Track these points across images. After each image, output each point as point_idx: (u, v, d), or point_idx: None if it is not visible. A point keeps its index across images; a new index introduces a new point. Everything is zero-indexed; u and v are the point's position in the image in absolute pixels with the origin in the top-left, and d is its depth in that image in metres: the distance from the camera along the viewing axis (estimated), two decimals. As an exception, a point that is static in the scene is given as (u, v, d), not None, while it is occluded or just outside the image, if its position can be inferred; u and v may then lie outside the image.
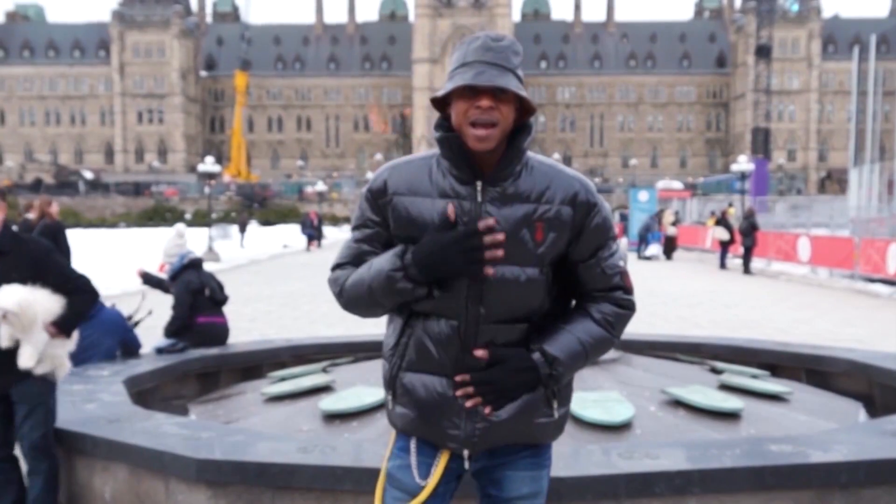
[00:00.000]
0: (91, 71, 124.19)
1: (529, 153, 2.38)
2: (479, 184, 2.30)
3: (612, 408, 4.65)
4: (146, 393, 5.85)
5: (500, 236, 2.20)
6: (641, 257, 31.12)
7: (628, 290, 2.40)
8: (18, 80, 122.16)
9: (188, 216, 63.66)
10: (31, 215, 12.33)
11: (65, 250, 10.52)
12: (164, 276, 7.78)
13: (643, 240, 32.03)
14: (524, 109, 2.32)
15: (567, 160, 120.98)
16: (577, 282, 2.38)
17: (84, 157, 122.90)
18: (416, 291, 2.25)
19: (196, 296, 7.12)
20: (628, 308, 2.40)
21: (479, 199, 2.29)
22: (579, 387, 4.96)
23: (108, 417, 4.64)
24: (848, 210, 31.53)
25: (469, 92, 2.24)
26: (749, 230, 23.74)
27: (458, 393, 2.27)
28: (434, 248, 2.22)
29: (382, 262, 2.28)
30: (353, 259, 2.39)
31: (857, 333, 11.41)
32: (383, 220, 2.36)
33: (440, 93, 2.30)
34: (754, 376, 5.95)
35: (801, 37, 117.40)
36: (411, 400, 2.36)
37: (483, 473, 2.40)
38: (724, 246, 25.83)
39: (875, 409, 5.77)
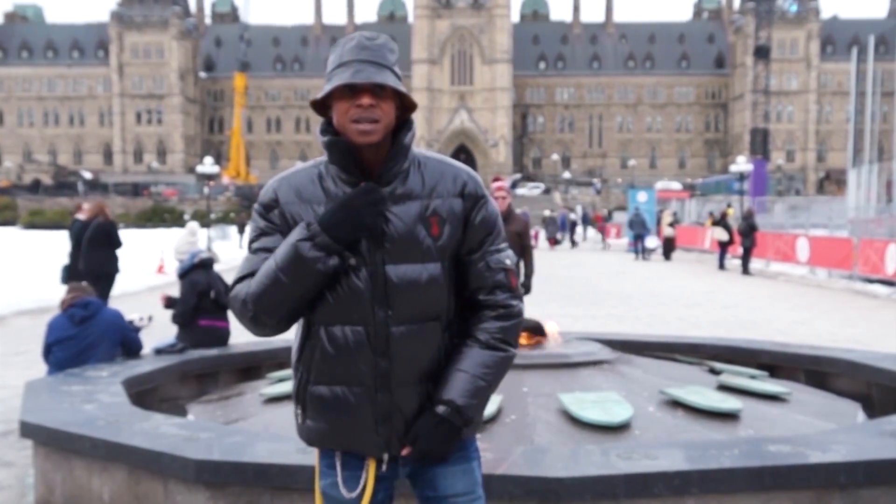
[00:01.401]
0: (90, 72, 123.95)
1: (416, 150, 2.38)
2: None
3: (610, 408, 4.65)
4: (145, 394, 5.85)
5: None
6: (641, 255, 31.16)
7: (513, 289, 2.37)
8: (17, 81, 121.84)
9: (187, 217, 63.59)
10: (81, 216, 13.33)
11: (117, 245, 12.22)
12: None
13: (639, 237, 31.97)
14: (405, 106, 2.33)
15: (566, 161, 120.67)
16: (464, 282, 2.36)
17: (83, 157, 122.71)
18: (329, 261, 2.22)
19: (201, 297, 7.10)
20: (513, 315, 2.36)
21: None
22: (578, 387, 5.00)
23: (107, 418, 4.63)
24: (846, 211, 31.42)
25: (349, 91, 2.25)
26: (748, 231, 23.74)
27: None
28: (338, 208, 2.22)
29: (288, 238, 2.26)
30: (257, 269, 2.34)
31: (856, 334, 11.39)
32: (279, 228, 2.34)
33: (320, 95, 2.31)
34: (753, 377, 5.95)
35: (799, 37, 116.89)
36: (322, 413, 2.33)
37: (416, 475, 2.39)
38: (723, 247, 25.80)
39: (874, 409, 5.75)
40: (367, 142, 2.26)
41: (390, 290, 2.26)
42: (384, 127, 2.26)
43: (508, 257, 2.38)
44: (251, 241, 2.40)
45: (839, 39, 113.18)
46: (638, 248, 31.79)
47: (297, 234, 2.24)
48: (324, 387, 2.32)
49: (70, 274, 11.86)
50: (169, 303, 7.33)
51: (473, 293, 2.36)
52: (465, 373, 2.29)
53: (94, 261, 11.74)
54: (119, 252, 12.27)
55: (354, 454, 2.35)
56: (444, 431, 2.26)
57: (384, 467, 2.35)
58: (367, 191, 2.23)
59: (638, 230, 32.10)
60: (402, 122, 2.34)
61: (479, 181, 2.38)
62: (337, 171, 2.33)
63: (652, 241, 32.87)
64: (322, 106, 2.34)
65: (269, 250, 2.32)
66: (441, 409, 2.25)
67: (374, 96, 2.25)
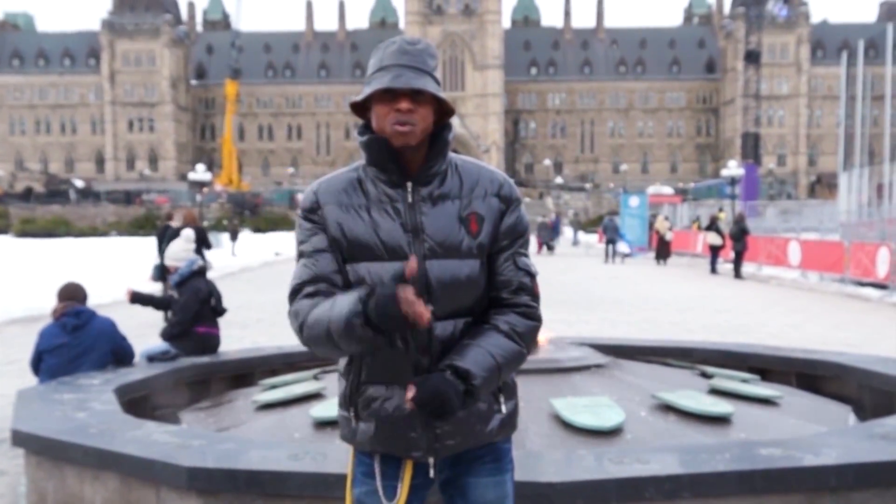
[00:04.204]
0: (81, 80, 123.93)
1: (452, 154, 2.41)
2: (409, 185, 2.33)
3: (602, 413, 4.65)
4: (137, 402, 5.82)
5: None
6: (611, 259, 31.45)
7: (536, 296, 2.40)
8: (8, 90, 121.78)
9: (178, 224, 63.19)
10: (173, 223, 15.16)
11: (208, 247, 14.25)
12: (152, 290, 7.77)
13: (611, 242, 32.57)
14: (443, 111, 2.35)
15: (558, 166, 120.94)
16: (491, 282, 2.37)
17: (75, 165, 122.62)
18: (377, 339, 2.19)
19: (202, 305, 7.11)
20: (535, 319, 2.38)
21: (411, 199, 2.32)
22: (570, 392, 5.00)
23: (99, 426, 4.61)
24: (838, 214, 31.58)
25: (388, 95, 2.27)
26: (739, 235, 23.75)
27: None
28: (384, 302, 2.16)
29: (344, 304, 2.21)
30: (313, 277, 2.34)
31: (848, 337, 11.42)
32: (324, 228, 2.35)
33: (359, 97, 2.32)
34: (744, 381, 5.95)
35: (789, 42, 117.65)
36: (375, 413, 2.34)
37: (448, 484, 2.40)
38: (715, 251, 25.85)
39: (864, 412, 5.76)
40: (405, 143, 2.28)
41: (432, 286, 2.28)
42: (421, 131, 2.28)
43: (533, 266, 2.41)
44: (301, 244, 2.39)
45: (829, 44, 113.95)
46: (609, 251, 32.37)
47: (350, 305, 2.19)
48: (373, 387, 2.34)
49: (162, 273, 12.58)
50: (134, 298, 7.32)
51: (499, 291, 2.37)
52: (478, 346, 2.28)
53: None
54: (209, 253, 14.06)
55: (393, 461, 2.36)
56: (447, 391, 2.21)
57: (431, 472, 2.35)
58: (409, 301, 2.15)
59: (611, 235, 32.78)
60: (442, 125, 2.36)
61: (514, 185, 2.43)
62: (375, 172, 2.35)
63: (623, 247, 33.29)
64: (361, 108, 2.36)
65: (320, 250, 2.34)
66: (447, 374, 2.23)
67: (412, 101, 2.27)
